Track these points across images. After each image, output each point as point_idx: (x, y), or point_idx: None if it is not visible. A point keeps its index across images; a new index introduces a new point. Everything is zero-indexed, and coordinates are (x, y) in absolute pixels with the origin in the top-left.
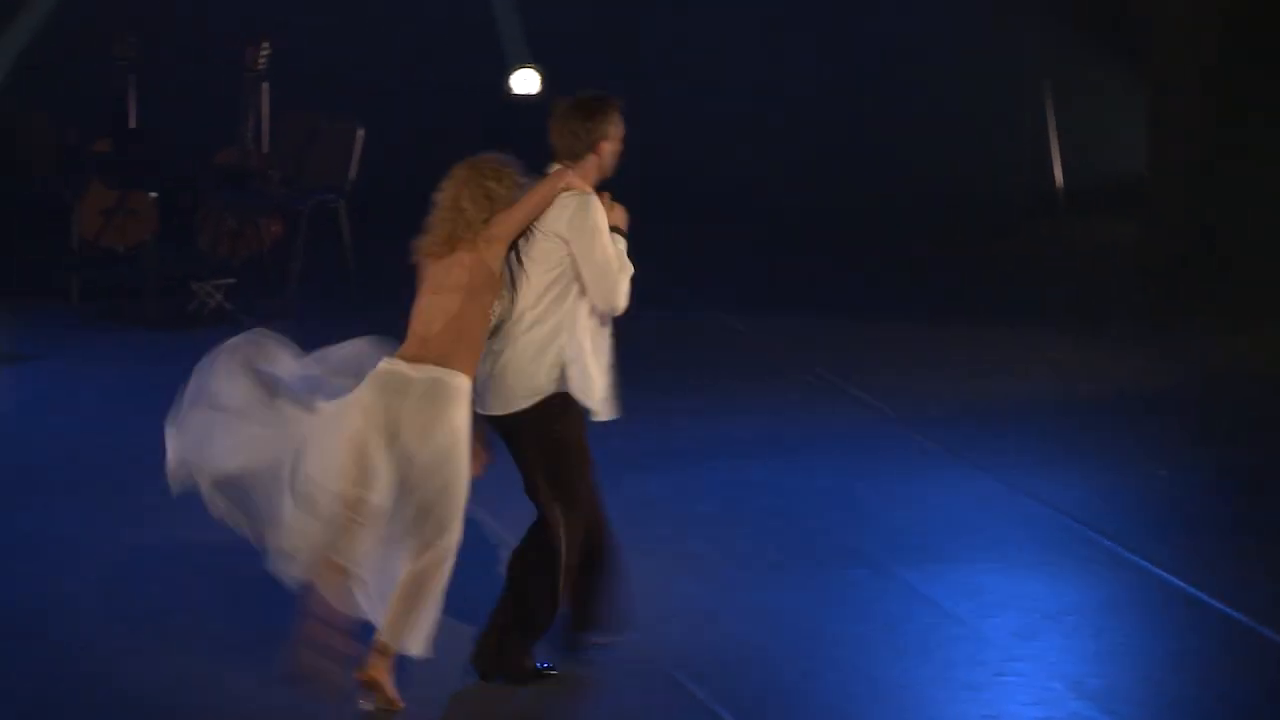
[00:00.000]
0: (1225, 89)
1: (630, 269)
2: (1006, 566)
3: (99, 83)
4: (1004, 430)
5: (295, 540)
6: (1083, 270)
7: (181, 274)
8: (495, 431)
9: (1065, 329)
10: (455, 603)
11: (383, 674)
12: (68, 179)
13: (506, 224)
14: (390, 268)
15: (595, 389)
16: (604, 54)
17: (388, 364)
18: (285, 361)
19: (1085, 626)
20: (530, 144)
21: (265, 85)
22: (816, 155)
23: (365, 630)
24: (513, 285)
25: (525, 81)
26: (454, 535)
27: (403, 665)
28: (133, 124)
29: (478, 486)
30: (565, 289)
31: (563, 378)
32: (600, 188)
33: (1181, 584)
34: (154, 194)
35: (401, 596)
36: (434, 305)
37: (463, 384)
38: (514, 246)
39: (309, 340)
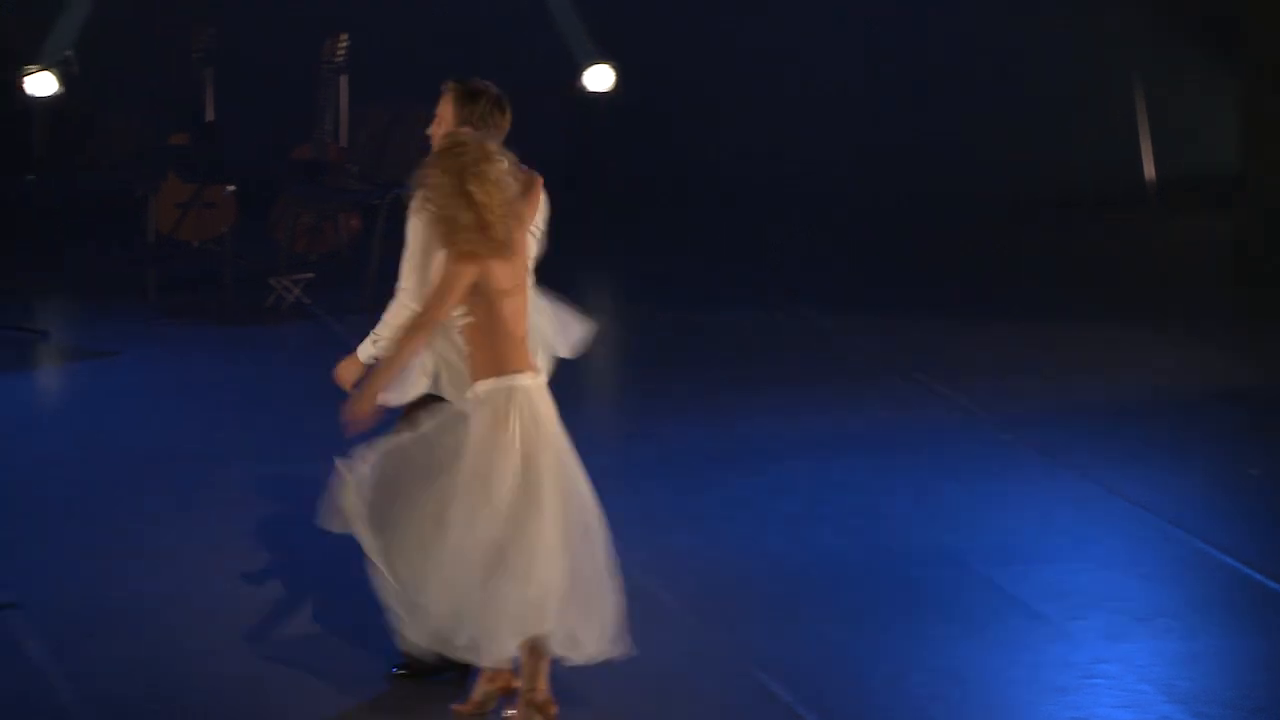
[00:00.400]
0: None
1: None
2: (1096, 567)
3: (176, 76)
4: (1093, 429)
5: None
6: (1173, 267)
7: (259, 269)
8: None
9: (1157, 327)
10: None
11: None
12: (144, 173)
13: (534, 221)
14: None
15: None
16: (678, 49)
17: (510, 381)
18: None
19: (1176, 628)
20: (605, 141)
21: (343, 79)
22: (900, 150)
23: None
24: None
25: (599, 78)
26: None
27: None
28: (210, 118)
29: None
30: None
31: None
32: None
33: (1274, 585)
34: (231, 188)
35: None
36: (519, 307)
37: None
38: None
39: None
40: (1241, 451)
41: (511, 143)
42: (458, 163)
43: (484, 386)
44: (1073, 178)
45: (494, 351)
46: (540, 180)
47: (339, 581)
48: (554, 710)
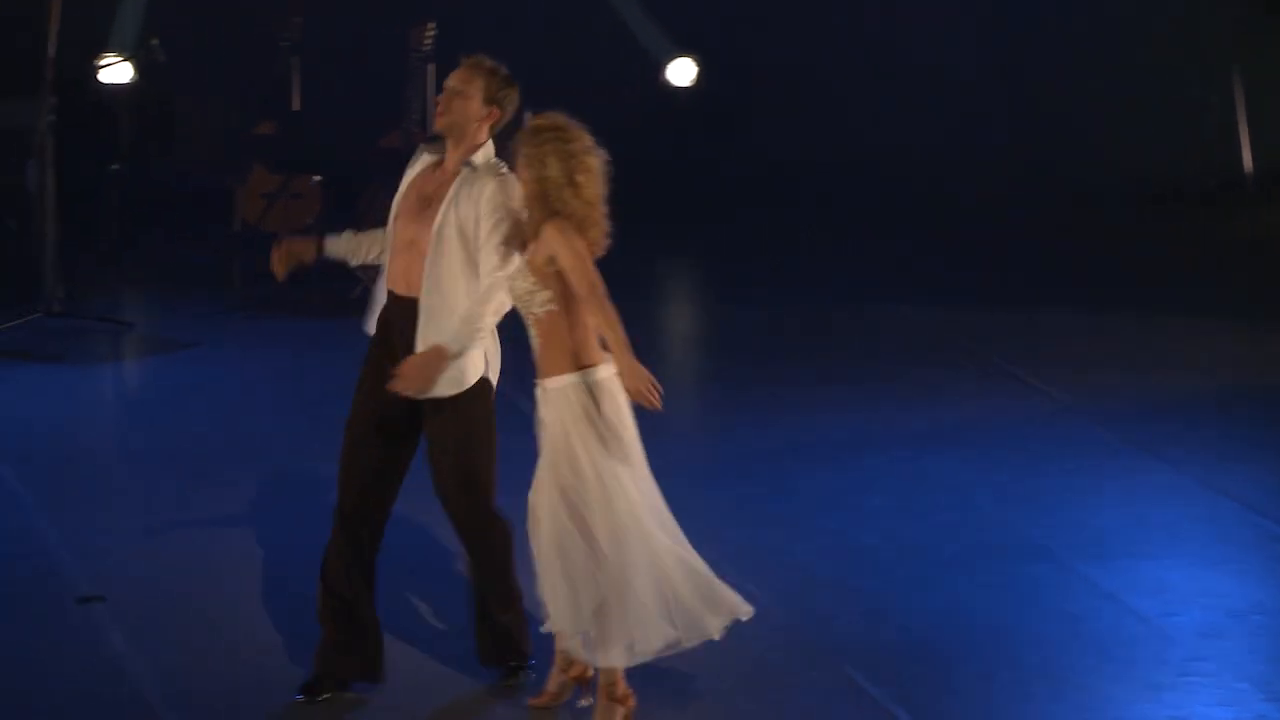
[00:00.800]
0: None
1: None
2: (1191, 563)
3: (263, 65)
4: (1188, 423)
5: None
6: (1271, 258)
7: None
8: None
9: (1253, 319)
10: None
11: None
12: (230, 163)
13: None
14: None
15: None
16: (757, 39)
17: (592, 375)
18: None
19: (1273, 625)
20: (687, 137)
21: (430, 67)
22: (991, 140)
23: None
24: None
25: (682, 72)
26: None
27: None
28: (296, 107)
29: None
30: None
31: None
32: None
33: None
34: (317, 178)
35: None
36: None
37: None
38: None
39: None
40: None
41: (598, 131)
42: (566, 149)
43: (562, 382)
44: (1169, 169)
45: (573, 344)
46: None
47: (416, 581)
48: (633, 703)
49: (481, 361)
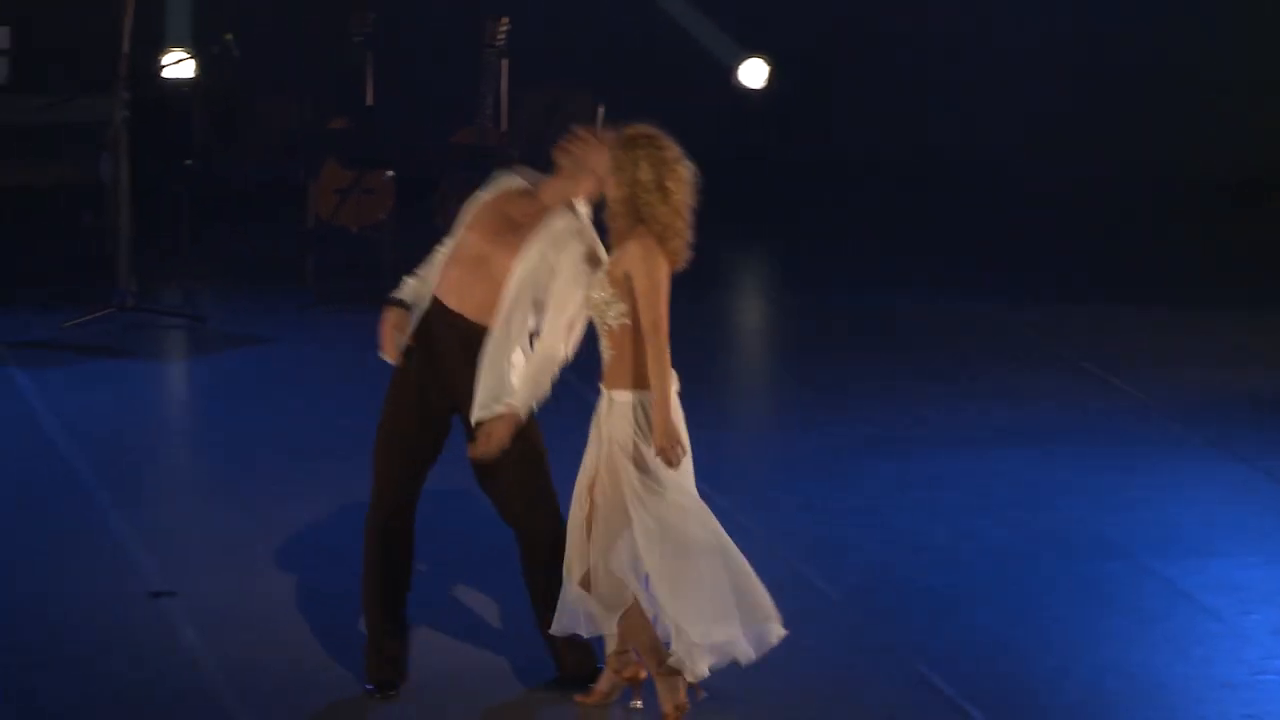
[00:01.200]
0: None
1: None
2: (1266, 561)
3: (336, 60)
4: (1263, 420)
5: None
6: None
7: (418, 254)
8: None
9: None
10: None
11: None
12: (303, 157)
13: None
14: None
15: None
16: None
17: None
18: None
19: None
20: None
21: (504, 62)
22: (1071, 133)
23: None
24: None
25: (753, 73)
26: None
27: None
28: (369, 102)
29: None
30: None
31: None
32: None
33: None
34: (390, 173)
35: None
36: None
37: None
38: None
39: None
40: None
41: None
42: (659, 155)
43: (624, 397)
44: (1248, 162)
45: (638, 363)
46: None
47: (491, 579)
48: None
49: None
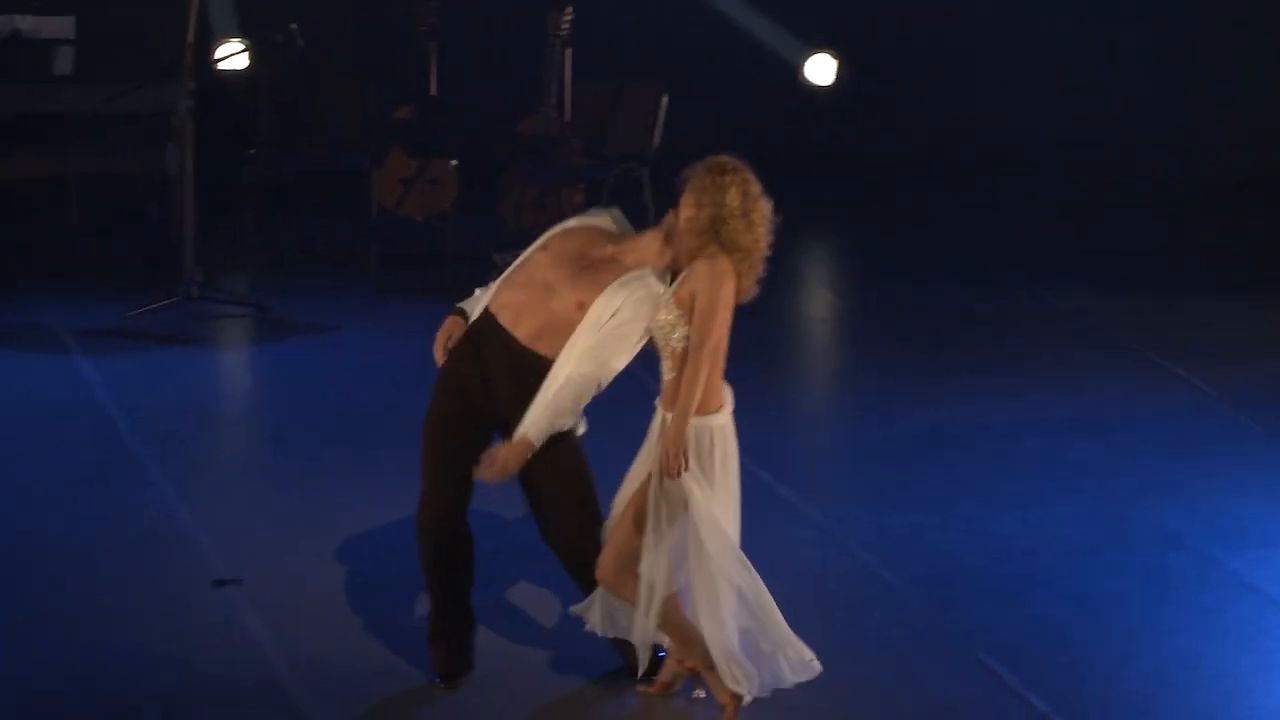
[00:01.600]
0: None
1: None
2: None
3: (400, 49)
4: None
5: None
6: None
7: (482, 244)
8: None
9: None
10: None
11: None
12: (368, 147)
13: None
14: None
15: None
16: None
17: (711, 420)
18: None
19: None
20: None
21: (568, 51)
22: (1129, 122)
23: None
24: None
25: (820, 69)
26: None
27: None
28: (434, 91)
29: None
30: None
31: None
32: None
33: None
34: (454, 162)
35: None
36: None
37: None
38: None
39: None
40: None
41: (734, 130)
42: (747, 187)
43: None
44: None
45: (705, 385)
46: None
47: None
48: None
49: (576, 424)
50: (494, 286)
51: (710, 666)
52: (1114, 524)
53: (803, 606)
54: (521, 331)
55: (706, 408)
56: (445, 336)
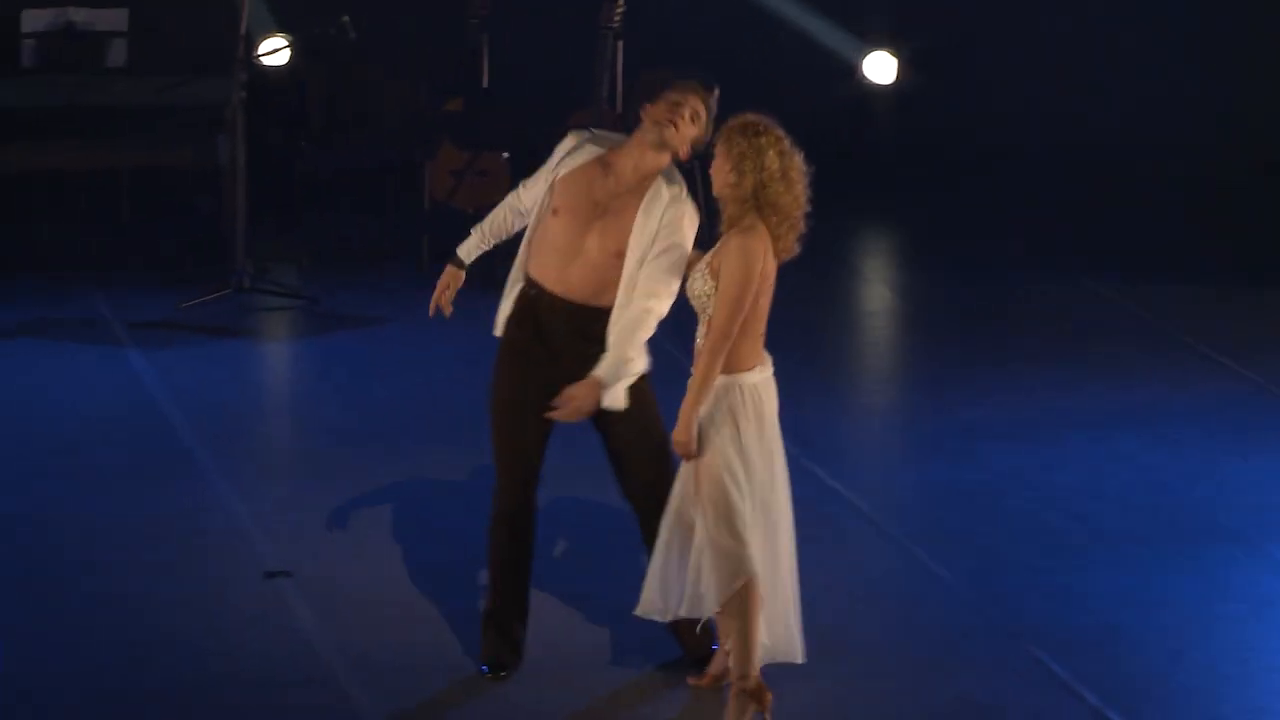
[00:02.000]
0: None
1: None
2: None
3: (452, 41)
4: None
5: None
6: None
7: None
8: None
9: None
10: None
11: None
12: (420, 139)
13: None
14: None
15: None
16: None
17: (740, 379)
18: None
19: None
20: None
21: (619, 44)
22: (1185, 113)
23: None
24: None
25: (880, 67)
26: None
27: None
28: (485, 84)
29: None
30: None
31: None
32: None
33: None
34: (506, 155)
35: None
36: (768, 305)
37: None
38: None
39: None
40: None
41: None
42: (782, 145)
43: (720, 380)
44: None
45: (735, 346)
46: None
47: (607, 558)
48: (769, 698)
49: (643, 361)
50: (487, 232)
51: (743, 677)
52: (1165, 517)
53: (853, 600)
54: (574, 292)
55: (739, 366)
56: (443, 288)
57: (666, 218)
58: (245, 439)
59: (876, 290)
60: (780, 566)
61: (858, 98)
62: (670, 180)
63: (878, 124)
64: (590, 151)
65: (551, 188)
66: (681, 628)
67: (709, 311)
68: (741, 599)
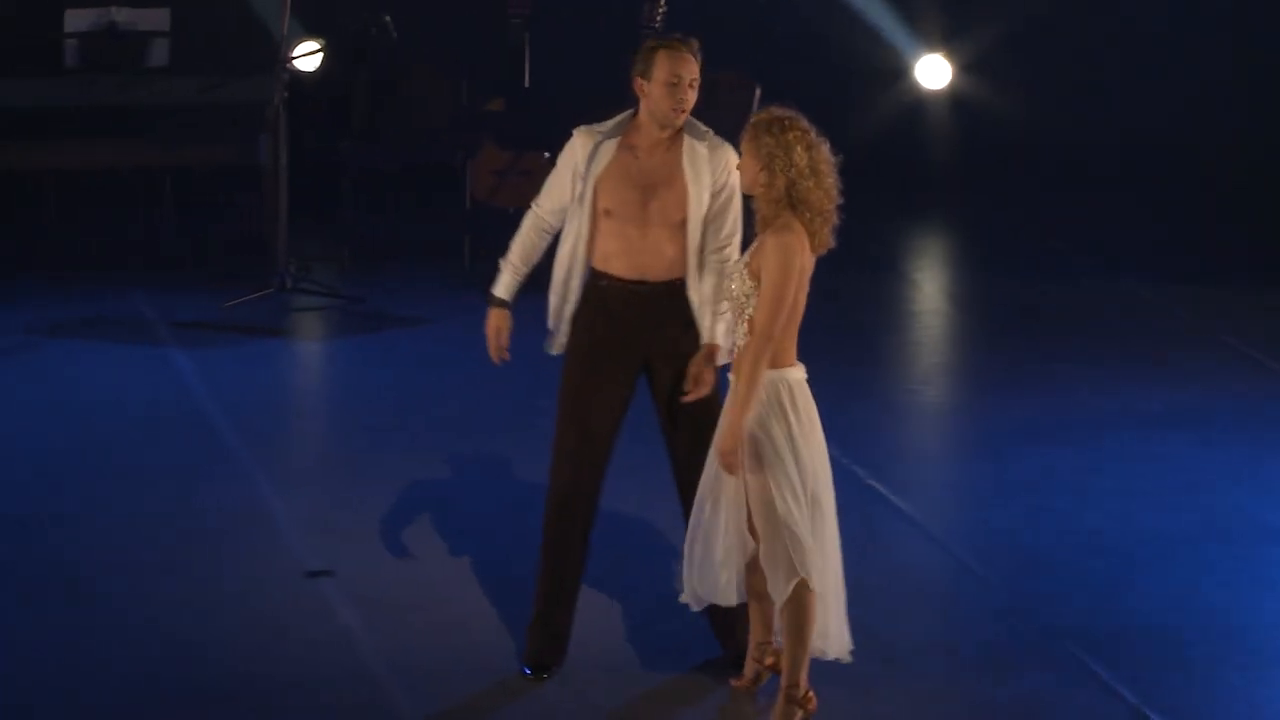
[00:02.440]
0: None
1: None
2: None
3: (494, 41)
4: None
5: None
6: None
7: None
8: None
9: None
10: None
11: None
12: (461, 139)
13: None
14: None
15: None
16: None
17: (785, 374)
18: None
19: None
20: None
21: None
22: (1229, 114)
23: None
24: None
25: (933, 72)
26: None
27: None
28: (527, 83)
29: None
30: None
31: None
32: None
33: None
34: (547, 154)
35: None
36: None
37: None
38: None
39: None
40: None
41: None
42: (808, 139)
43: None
44: None
45: (778, 344)
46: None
47: (648, 558)
48: (814, 705)
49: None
50: (518, 264)
51: (793, 685)
52: (1208, 517)
53: (896, 599)
54: (651, 273)
55: (782, 363)
56: (495, 333)
57: (713, 168)
58: (287, 438)
59: (920, 291)
60: (828, 565)
61: (910, 102)
62: (694, 131)
63: (930, 127)
64: (611, 144)
65: (594, 192)
66: (717, 620)
67: (748, 312)
68: (798, 601)
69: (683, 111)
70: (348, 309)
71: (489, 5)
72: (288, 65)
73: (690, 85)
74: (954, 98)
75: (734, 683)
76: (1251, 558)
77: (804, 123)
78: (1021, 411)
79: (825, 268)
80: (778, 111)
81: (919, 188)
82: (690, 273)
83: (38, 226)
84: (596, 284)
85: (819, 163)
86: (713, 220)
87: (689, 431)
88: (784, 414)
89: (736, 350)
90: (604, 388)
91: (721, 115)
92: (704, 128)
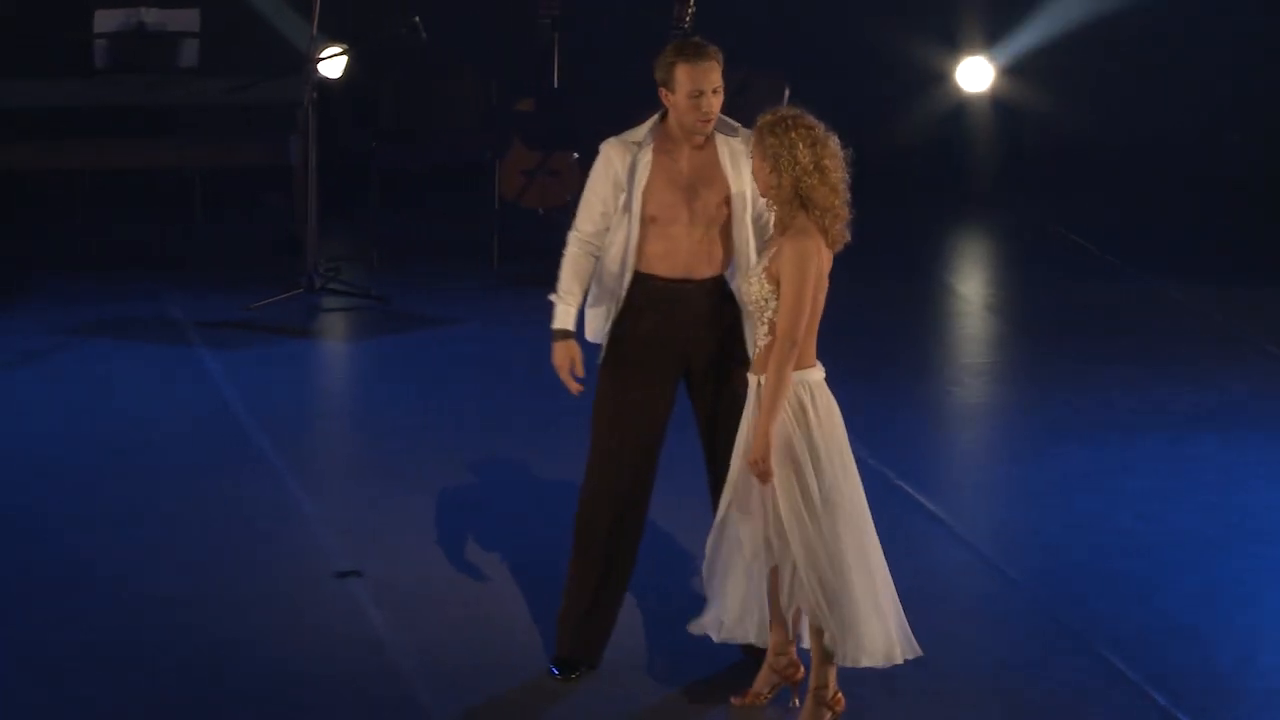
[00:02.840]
0: None
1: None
2: None
3: (523, 41)
4: None
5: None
6: None
7: None
8: None
9: None
10: None
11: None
12: (490, 139)
13: None
14: None
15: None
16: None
17: (805, 375)
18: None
19: None
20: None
21: None
22: (1270, 115)
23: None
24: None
25: (974, 75)
26: None
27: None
28: (556, 84)
29: None
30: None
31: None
32: None
33: None
34: (576, 155)
35: None
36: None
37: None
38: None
39: None
40: None
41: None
42: (812, 135)
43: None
44: None
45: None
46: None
47: (676, 562)
48: (842, 707)
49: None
50: (573, 291)
51: (822, 686)
52: (1238, 519)
53: (923, 600)
54: (698, 271)
55: (802, 364)
56: (568, 363)
57: (741, 157)
58: (315, 439)
59: (957, 292)
60: (874, 571)
61: (952, 105)
62: (725, 128)
63: (971, 130)
64: (647, 151)
65: (643, 201)
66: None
67: (768, 315)
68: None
69: (708, 121)
70: (376, 309)
71: (518, 5)
72: (315, 67)
73: (714, 93)
74: (994, 100)
75: (735, 700)
76: None
77: (808, 120)
78: (1050, 411)
79: (862, 269)
80: (784, 111)
81: (958, 189)
82: (738, 270)
83: (67, 227)
84: (641, 285)
85: (823, 159)
86: (759, 216)
87: (726, 433)
88: (804, 417)
89: (758, 352)
90: (649, 388)
91: (751, 114)
92: (733, 123)
